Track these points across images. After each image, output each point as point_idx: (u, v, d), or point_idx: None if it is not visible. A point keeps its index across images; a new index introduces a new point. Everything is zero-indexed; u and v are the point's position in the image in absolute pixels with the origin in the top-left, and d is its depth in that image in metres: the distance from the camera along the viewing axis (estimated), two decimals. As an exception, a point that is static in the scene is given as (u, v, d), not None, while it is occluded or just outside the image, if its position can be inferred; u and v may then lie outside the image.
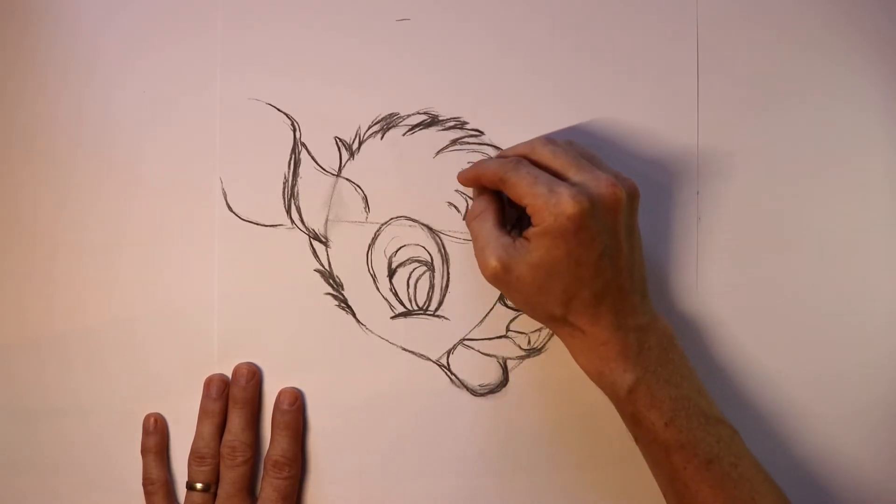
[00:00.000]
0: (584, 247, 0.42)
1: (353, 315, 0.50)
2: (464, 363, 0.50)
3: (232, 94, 0.50)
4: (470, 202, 0.49)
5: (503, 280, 0.43)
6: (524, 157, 0.44)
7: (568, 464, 0.49)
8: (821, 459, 0.49)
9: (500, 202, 0.46)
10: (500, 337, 0.50)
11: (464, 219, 0.49)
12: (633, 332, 0.43)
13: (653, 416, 0.42)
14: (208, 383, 0.50)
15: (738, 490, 0.42)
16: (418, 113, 0.50)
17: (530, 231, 0.43)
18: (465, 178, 0.47)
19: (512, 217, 0.47)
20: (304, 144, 0.50)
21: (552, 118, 0.49)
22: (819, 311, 0.49)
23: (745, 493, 0.42)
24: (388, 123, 0.50)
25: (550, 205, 0.41)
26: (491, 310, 0.50)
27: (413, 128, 0.50)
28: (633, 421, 0.43)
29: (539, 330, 0.49)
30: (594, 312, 0.43)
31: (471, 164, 0.48)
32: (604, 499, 0.49)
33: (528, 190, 0.42)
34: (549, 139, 0.45)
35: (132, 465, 0.50)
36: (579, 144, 0.46)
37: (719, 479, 0.42)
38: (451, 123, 0.50)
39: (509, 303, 0.50)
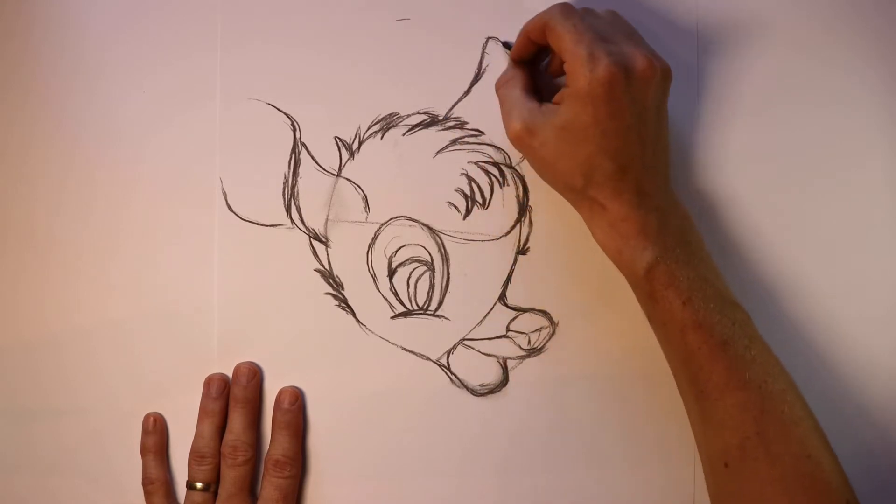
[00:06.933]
0: (612, 117, 0.41)
1: (353, 315, 0.50)
2: (464, 363, 0.50)
3: (232, 94, 0.50)
4: (469, 202, 0.50)
5: (527, 143, 0.43)
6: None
7: (568, 464, 0.49)
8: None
9: (529, 72, 0.47)
10: (500, 337, 0.50)
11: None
12: (654, 212, 0.43)
13: (670, 295, 0.42)
14: (208, 383, 0.50)
15: (752, 372, 0.41)
16: (418, 113, 0.50)
17: (562, 92, 0.43)
18: (518, 37, 0.46)
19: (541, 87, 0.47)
20: (304, 144, 0.50)
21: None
22: (817, 312, 0.49)
23: (759, 375, 0.42)
24: (388, 123, 0.50)
25: (587, 69, 0.41)
26: (491, 310, 0.50)
27: (413, 128, 0.50)
28: (650, 300, 0.43)
29: (539, 330, 0.49)
30: (616, 187, 0.42)
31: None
32: (604, 498, 0.49)
33: (570, 47, 0.42)
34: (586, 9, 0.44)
35: (132, 465, 0.50)
36: (622, 18, 0.45)
37: (733, 360, 0.42)
38: (451, 123, 0.50)
39: (510, 302, 0.50)
